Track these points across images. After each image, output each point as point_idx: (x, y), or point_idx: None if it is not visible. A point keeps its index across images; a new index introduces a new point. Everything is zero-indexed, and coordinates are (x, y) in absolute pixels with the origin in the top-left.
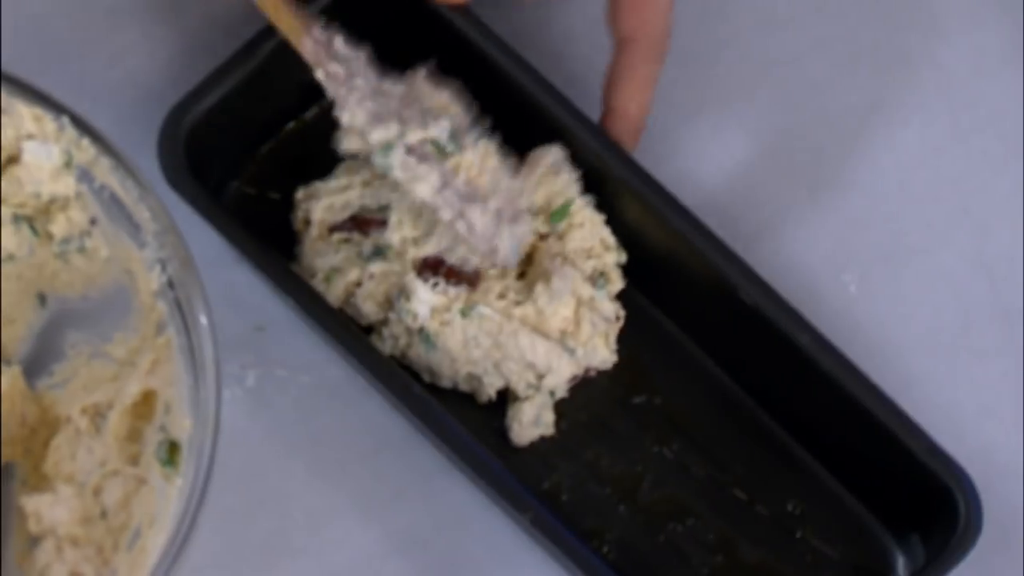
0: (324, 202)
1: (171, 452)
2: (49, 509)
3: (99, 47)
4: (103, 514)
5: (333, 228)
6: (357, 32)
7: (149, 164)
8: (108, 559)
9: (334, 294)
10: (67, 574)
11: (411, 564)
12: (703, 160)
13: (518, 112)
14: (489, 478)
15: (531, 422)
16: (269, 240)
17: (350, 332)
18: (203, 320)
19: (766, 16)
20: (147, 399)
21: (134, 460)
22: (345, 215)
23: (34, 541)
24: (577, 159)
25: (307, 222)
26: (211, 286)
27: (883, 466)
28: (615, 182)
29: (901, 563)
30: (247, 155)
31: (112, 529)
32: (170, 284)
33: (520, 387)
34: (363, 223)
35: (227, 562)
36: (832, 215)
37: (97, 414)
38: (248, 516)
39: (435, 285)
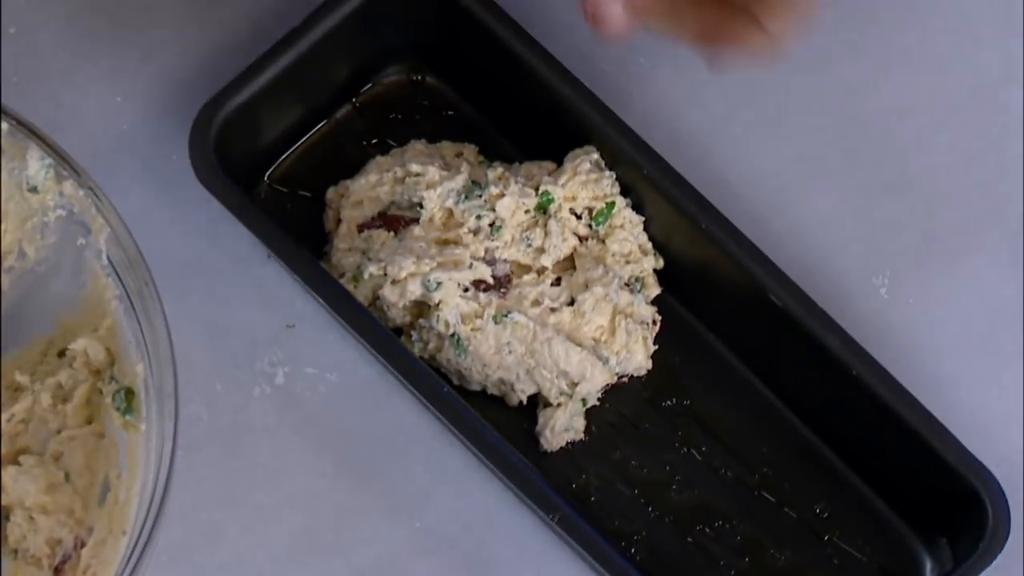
0: (353, 199)
1: (128, 399)
2: (12, 482)
3: (132, 43)
4: (67, 477)
5: (362, 226)
6: (389, 30)
7: (181, 160)
8: (81, 519)
9: (362, 294)
10: (44, 542)
11: (438, 563)
12: (735, 162)
13: (548, 113)
14: (518, 479)
15: (562, 429)
16: (300, 238)
17: (380, 332)
18: (143, 264)
19: None
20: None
21: (88, 419)
22: (374, 212)
23: (4, 516)
24: (608, 161)
25: (339, 221)
26: (241, 283)
27: (911, 469)
28: (647, 184)
29: (929, 567)
30: (278, 153)
31: (79, 490)
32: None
33: (552, 394)
34: (393, 220)
35: (254, 559)
36: (864, 218)
37: (59, 389)
38: (276, 514)
39: (465, 291)
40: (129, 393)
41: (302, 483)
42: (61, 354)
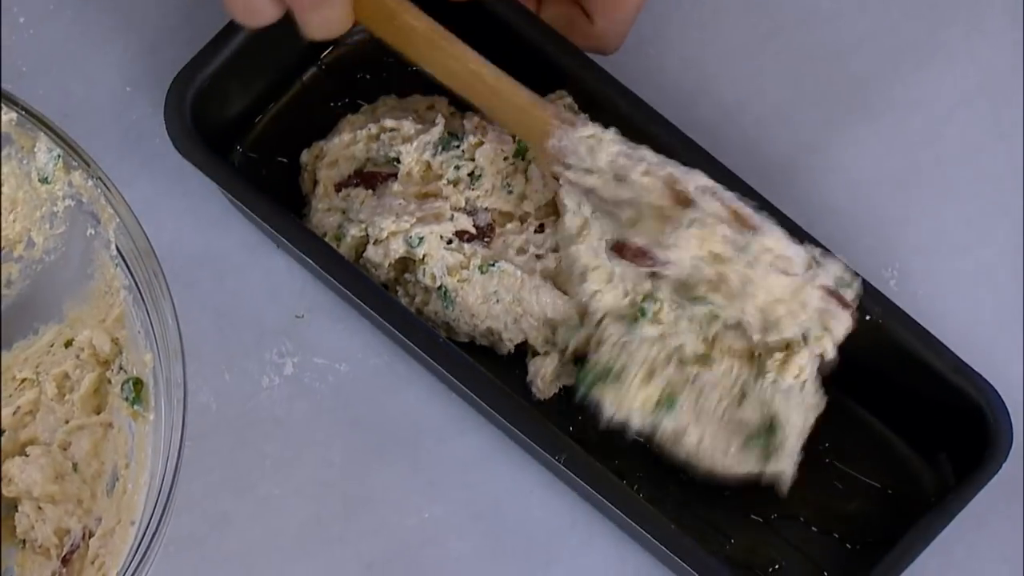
0: (328, 159)
1: (136, 389)
2: (20, 472)
3: (142, 33)
4: (75, 467)
5: (339, 185)
6: None
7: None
8: (90, 508)
9: (344, 252)
10: (52, 532)
11: (447, 553)
12: (744, 154)
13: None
14: (523, 424)
15: (554, 376)
16: (280, 203)
17: (371, 287)
18: (153, 257)
19: (809, 11)
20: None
21: (97, 409)
22: (351, 171)
23: (11, 506)
24: (582, 104)
25: (315, 183)
26: (250, 273)
27: (908, 386)
28: (623, 124)
29: (931, 482)
30: (249, 121)
31: (87, 480)
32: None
33: (539, 343)
34: (370, 177)
35: (264, 550)
36: (873, 211)
37: (65, 380)
38: (285, 504)
39: (449, 243)
40: (138, 383)
41: (311, 473)
42: (68, 344)
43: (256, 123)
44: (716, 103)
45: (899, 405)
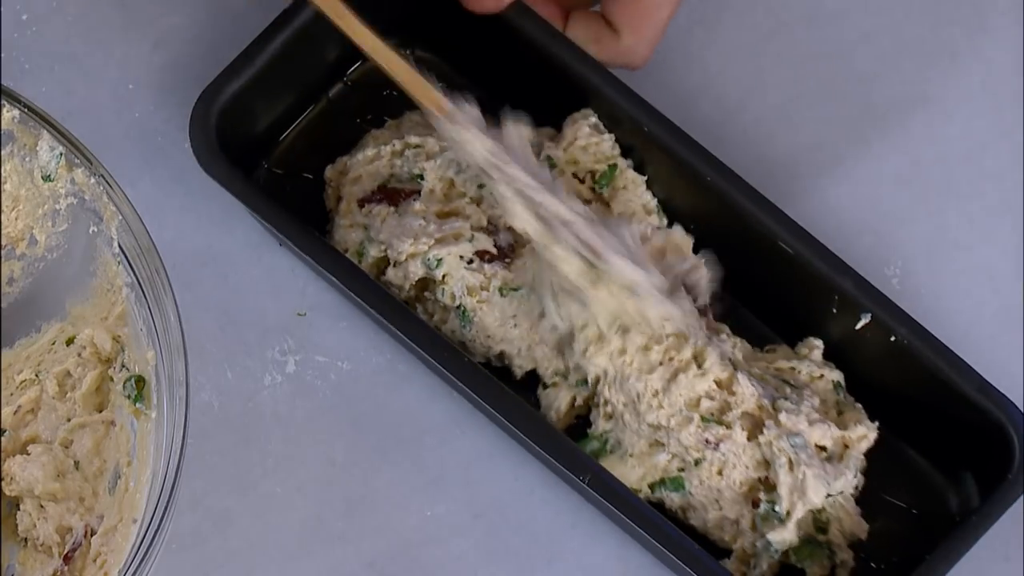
0: (352, 175)
1: (139, 387)
2: (21, 470)
3: (144, 31)
4: (76, 465)
5: (363, 201)
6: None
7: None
8: (91, 506)
9: (365, 270)
10: (54, 530)
11: (449, 551)
12: (746, 153)
13: (543, 78)
14: (550, 444)
15: (568, 409)
16: (303, 219)
17: (394, 306)
18: (155, 252)
19: (813, 10)
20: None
21: (99, 407)
22: (374, 187)
23: (13, 505)
24: (607, 123)
25: (339, 199)
26: (252, 271)
27: (932, 406)
28: (648, 142)
29: (955, 501)
30: (274, 138)
31: (88, 477)
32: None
33: (548, 374)
34: (393, 194)
35: (265, 548)
36: (875, 209)
37: (67, 378)
38: (287, 502)
39: (470, 263)
40: (140, 381)
41: (313, 471)
42: (70, 342)
43: (282, 140)
44: (718, 101)
45: (922, 424)
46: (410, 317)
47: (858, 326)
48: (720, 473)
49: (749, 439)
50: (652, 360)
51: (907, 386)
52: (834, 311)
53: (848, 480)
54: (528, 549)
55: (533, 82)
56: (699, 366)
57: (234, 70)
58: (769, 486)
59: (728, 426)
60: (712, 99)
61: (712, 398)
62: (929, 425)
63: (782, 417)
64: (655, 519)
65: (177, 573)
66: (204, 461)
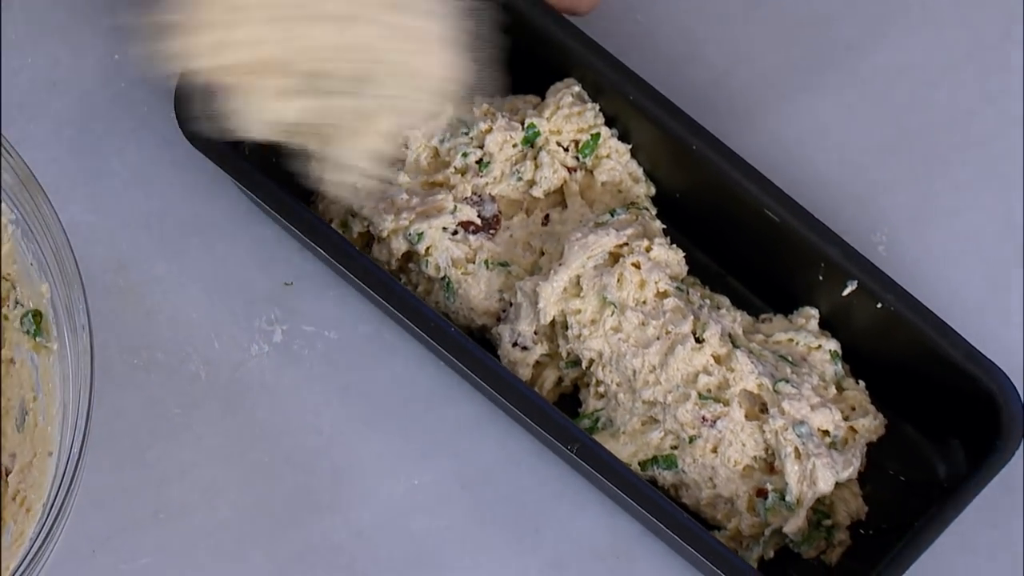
0: None
1: (36, 321)
2: None
3: (130, 1)
4: None
5: None
6: None
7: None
8: (2, 447)
9: (350, 240)
10: None
11: (436, 521)
12: (733, 120)
13: (526, 46)
14: (535, 413)
15: (553, 386)
16: (290, 190)
17: (380, 277)
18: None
19: None
20: None
21: None
22: None
23: None
24: (591, 91)
25: None
26: (239, 241)
27: (920, 373)
28: (632, 111)
29: (944, 469)
30: None
31: None
32: None
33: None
34: None
35: (253, 517)
36: (862, 176)
37: None
38: (274, 472)
39: (454, 234)
40: (36, 315)
41: (300, 441)
42: None
43: None
44: (705, 68)
45: (911, 392)
46: (395, 289)
47: (844, 292)
48: (715, 451)
49: (747, 417)
50: (649, 335)
51: (895, 354)
52: (821, 279)
53: (855, 468)
54: (516, 518)
55: (515, 50)
56: (697, 340)
57: None
58: (769, 469)
59: (726, 403)
60: (699, 66)
61: (710, 374)
62: (917, 393)
63: (785, 404)
64: (643, 488)
65: (164, 543)
66: (191, 431)
